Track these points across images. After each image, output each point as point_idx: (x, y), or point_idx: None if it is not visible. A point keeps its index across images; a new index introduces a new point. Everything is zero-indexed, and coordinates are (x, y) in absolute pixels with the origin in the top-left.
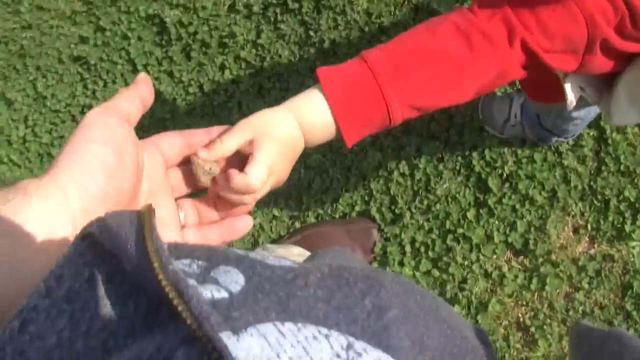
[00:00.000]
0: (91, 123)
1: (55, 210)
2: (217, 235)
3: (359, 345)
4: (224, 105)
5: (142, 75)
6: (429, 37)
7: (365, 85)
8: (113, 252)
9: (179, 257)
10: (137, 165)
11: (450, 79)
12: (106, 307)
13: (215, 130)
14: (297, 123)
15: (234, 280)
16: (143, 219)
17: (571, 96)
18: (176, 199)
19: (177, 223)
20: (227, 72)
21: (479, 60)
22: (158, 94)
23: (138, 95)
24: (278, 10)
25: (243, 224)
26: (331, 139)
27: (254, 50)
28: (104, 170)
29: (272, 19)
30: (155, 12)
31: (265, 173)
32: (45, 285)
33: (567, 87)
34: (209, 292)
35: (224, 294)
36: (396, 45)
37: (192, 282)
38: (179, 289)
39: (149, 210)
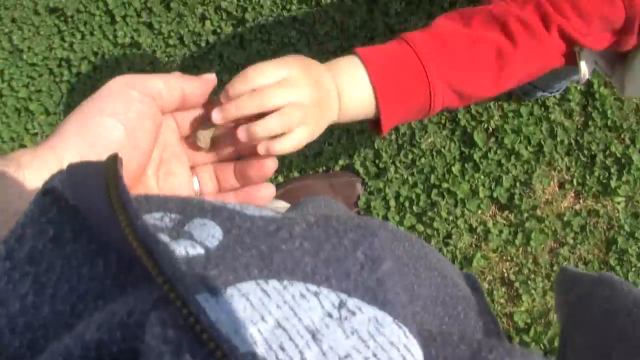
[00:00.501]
0: (110, 92)
1: None
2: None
3: (352, 302)
4: (205, 57)
5: (209, 76)
6: (464, 26)
7: (407, 62)
8: (78, 207)
9: (149, 210)
10: (153, 145)
11: (491, 65)
12: (73, 268)
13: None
14: (336, 87)
15: (210, 234)
16: (109, 170)
17: (585, 71)
18: (195, 166)
19: (190, 191)
20: (207, 23)
21: (521, 51)
22: (137, 46)
23: (182, 87)
24: None
25: (265, 192)
26: (363, 118)
27: (235, 1)
28: (109, 145)
29: None
30: None
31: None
32: (6, 247)
33: (582, 63)
34: (182, 249)
35: (199, 250)
36: (435, 30)
37: (163, 238)
38: (148, 247)
39: (114, 160)
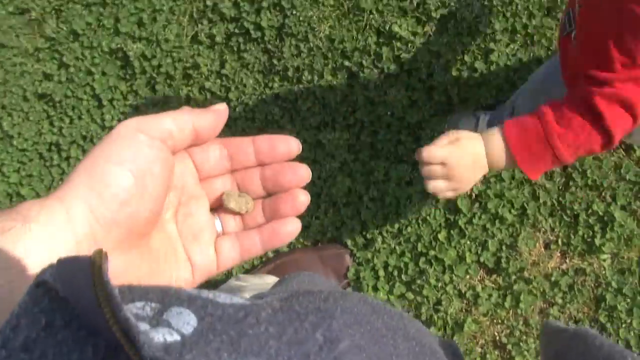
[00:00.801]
0: (117, 138)
1: (58, 236)
2: (259, 241)
3: None
4: None
5: (220, 106)
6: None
7: (530, 126)
8: (68, 299)
9: (132, 300)
10: (165, 190)
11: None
12: (64, 354)
13: (262, 139)
14: (483, 146)
15: (185, 321)
16: (95, 266)
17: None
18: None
19: (211, 233)
20: (192, 103)
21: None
22: None
23: (193, 121)
24: (241, 39)
25: (291, 226)
26: (510, 167)
27: (218, 81)
28: (118, 194)
29: (235, 48)
30: (118, 46)
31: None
32: (2, 336)
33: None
34: (161, 336)
35: (176, 337)
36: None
37: (143, 327)
38: (130, 336)
39: (100, 256)
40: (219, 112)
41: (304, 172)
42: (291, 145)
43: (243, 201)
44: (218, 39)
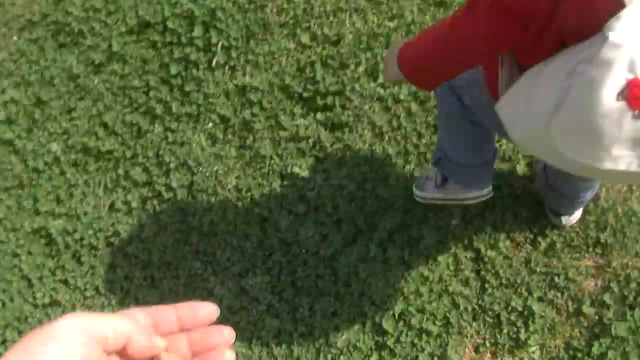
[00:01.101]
0: (54, 334)
1: None
2: None
3: None
4: (122, 302)
5: (159, 344)
6: None
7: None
8: None
9: None
10: None
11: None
12: None
13: (183, 306)
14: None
15: None
16: None
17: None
18: None
19: None
20: (118, 270)
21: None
22: (57, 304)
23: (128, 338)
24: (155, 202)
25: None
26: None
27: (140, 245)
28: None
29: (152, 211)
30: (40, 225)
31: None
32: None
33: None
34: None
35: None
36: None
37: None
38: None
39: None
40: (154, 348)
41: (229, 334)
42: (211, 310)
43: (172, 356)
44: (134, 204)
